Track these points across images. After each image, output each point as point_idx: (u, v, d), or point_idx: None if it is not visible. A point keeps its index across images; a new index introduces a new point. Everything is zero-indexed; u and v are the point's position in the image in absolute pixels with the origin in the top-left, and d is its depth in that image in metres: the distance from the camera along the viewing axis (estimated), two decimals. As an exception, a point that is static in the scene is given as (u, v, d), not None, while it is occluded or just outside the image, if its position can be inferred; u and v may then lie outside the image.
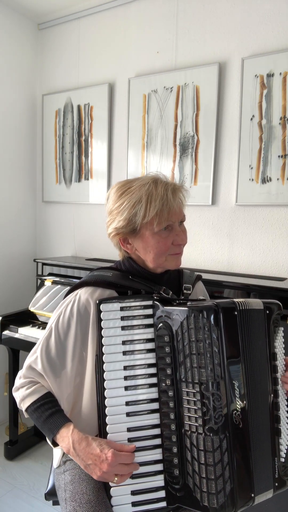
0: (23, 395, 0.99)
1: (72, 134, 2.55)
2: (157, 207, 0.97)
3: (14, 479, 2.06)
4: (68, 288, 1.24)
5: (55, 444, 0.95)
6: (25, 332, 2.05)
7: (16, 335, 2.07)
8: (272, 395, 0.96)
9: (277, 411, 0.96)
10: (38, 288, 2.28)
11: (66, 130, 2.58)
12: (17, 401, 1.02)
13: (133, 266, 1.08)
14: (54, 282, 2.23)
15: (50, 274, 2.30)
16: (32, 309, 2.22)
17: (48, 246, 2.79)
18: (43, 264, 2.36)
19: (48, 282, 2.25)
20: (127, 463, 0.87)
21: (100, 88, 2.39)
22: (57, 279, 2.23)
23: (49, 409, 0.96)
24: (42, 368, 0.99)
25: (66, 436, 0.91)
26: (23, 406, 1.00)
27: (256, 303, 0.97)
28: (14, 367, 2.17)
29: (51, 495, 1.13)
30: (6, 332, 2.11)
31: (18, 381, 1.03)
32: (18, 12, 2.53)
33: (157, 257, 1.02)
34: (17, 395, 1.02)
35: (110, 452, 0.85)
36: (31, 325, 2.13)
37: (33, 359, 1.01)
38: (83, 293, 1.02)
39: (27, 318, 2.22)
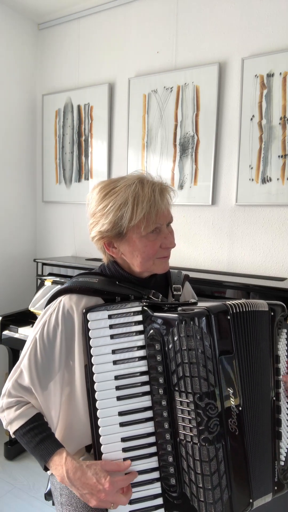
0: (10, 418, 0.94)
1: (72, 134, 2.55)
2: (144, 209, 0.91)
3: (14, 479, 2.06)
4: (50, 292, 1.18)
5: (47, 469, 0.91)
6: (25, 332, 2.05)
7: (16, 335, 2.07)
8: (274, 398, 0.94)
9: (278, 414, 0.94)
10: (38, 288, 2.28)
11: (66, 130, 2.58)
12: (3, 423, 0.96)
13: (118, 271, 1.02)
14: (54, 282, 2.23)
15: (50, 274, 2.30)
16: (32, 309, 2.22)
17: (48, 246, 2.79)
18: (43, 264, 2.36)
19: (48, 282, 2.25)
20: (124, 490, 0.85)
21: (100, 88, 2.39)
22: (57, 279, 2.23)
23: (39, 434, 0.91)
24: (30, 381, 0.93)
25: (59, 464, 0.87)
26: (10, 429, 0.95)
27: (260, 304, 0.94)
28: (14, 367, 2.17)
29: (51, 495, 1.13)
30: (6, 332, 2.11)
31: (3, 400, 0.96)
32: (18, 12, 2.53)
33: (145, 261, 0.97)
34: (3, 416, 0.95)
35: (107, 482, 0.82)
36: (31, 325, 2.13)
37: (17, 374, 0.96)
38: (67, 301, 0.96)
39: (27, 318, 2.22)
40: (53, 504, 1.16)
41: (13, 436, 0.95)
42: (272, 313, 0.96)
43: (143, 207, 0.91)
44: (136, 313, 0.93)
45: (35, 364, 0.94)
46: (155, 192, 0.94)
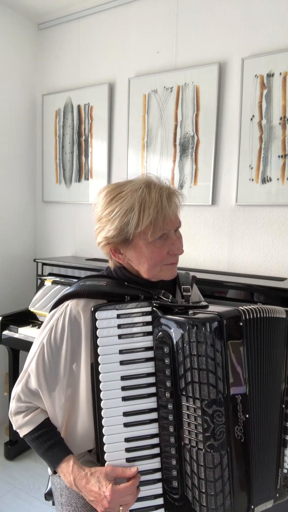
0: (19, 424, 0.96)
1: (72, 134, 2.55)
2: (151, 216, 0.88)
3: (14, 479, 2.06)
4: (58, 296, 1.17)
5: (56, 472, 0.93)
6: (25, 332, 2.05)
7: (16, 335, 2.07)
8: (283, 405, 0.94)
9: (286, 422, 0.94)
10: (38, 288, 2.28)
11: (66, 130, 2.58)
12: (13, 426, 0.98)
13: (126, 275, 1.00)
14: (54, 282, 2.23)
15: (50, 274, 2.30)
16: (32, 309, 2.22)
17: (48, 246, 2.79)
18: (43, 264, 2.36)
19: (48, 282, 2.25)
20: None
21: (100, 88, 2.39)
22: (57, 279, 2.23)
23: (48, 441, 0.93)
24: (38, 385, 0.94)
25: (67, 472, 0.89)
26: (20, 433, 0.97)
27: (278, 310, 0.93)
28: (14, 367, 2.17)
29: (51, 495, 1.13)
30: (6, 332, 2.11)
31: (14, 404, 0.97)
32: (18, 12, 2.53)
33: (152, 268, 0.94)
34: (14, 420, 0.97)
35: (108, 490, 0.82)
36: (31, 325, 2.13)
37: (25, 378, 0.96)
38: (74, 306, 0.94)
39: (27, 318, 2.22)
40: (53, 504, 1.16)
41: (21, 436, 0.98)
42: None
43: (149, 213, 0.88)
44: (145, 313, 0.91)
45: (43, 368, 0.94)
46: (163, 197, 0.91)
